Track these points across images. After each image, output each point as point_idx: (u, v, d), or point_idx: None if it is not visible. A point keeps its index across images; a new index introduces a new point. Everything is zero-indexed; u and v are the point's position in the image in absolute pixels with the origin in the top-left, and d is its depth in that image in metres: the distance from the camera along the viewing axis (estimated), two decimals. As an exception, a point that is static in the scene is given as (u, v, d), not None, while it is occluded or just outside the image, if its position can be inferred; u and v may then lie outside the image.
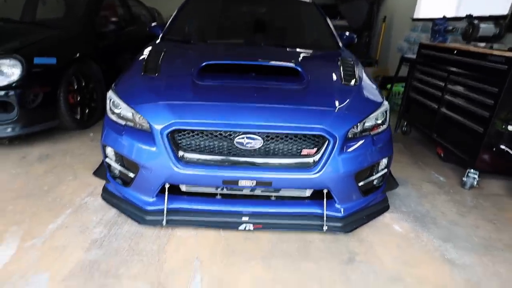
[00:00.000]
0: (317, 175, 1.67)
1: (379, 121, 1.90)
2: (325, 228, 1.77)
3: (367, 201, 1.93)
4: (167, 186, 1.75)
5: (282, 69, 1.99)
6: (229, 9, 3.29)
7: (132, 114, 1.77)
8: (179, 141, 1.69)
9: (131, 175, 1.81)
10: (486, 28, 3.09)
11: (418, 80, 3.24)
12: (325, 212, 1.79)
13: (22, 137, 2.72)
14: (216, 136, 1.67)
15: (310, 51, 2.55)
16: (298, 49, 2.55)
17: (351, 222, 1.85)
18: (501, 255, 1.74)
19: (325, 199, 1.79)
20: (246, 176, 1.68)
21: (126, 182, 1.87)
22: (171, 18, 3.01)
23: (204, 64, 1.93)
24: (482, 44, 2.87)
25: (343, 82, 1.98)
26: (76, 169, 2.43)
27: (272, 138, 1.66)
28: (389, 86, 4.51)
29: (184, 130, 1.66)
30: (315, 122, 1.66)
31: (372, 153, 1.80)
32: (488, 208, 2.19)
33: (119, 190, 1.93)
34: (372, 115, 1.84)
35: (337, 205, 1.83)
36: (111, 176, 1.95)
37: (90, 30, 3.43)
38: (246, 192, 1.86)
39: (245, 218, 1.79)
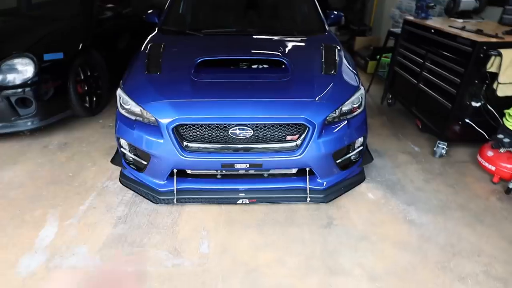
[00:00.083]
0: (300, 156, 2.00)
1: (356, 105, 2.18)
2: (308, 199, 2.13)
3: (345, 175, 2.27)
4: (175, 170, 2.09)
5: (269, 61, 2.25)
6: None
7: (140, 110, 2.06)
8: (183, 133, 2.00)
9: (144, 162, 2.15)
10: (467, 3, 3.23)
11: (401, 55, 3.44)
12: (308, 186, 2.14)
13: (41, 128, 3.03)
14: (213, 128, 1.97)
15: (297, 39, 2.75)
16: (285, 37, 2.75)
17: (331, 193, 2.21)
18: (452, 214, 2.11)
19: (307, 176, 2.13)
20: (241, 160, 2.01)
21: (140, 168, 2.21)
22: (166, 7, 3.17)
23: (199, 60, 2.20)
24: (460, 21, 3.05)
25: (323, 72, 2.24)
26: (93, 156, 2.77)
27: (260, 128, 1.97)
28: (378, 57, 4.68)
29: (187, 124, 1.97)
30: (296, 112, 1.95)
31: (348, 135, 2.11)
32: (451, 174, 2.53)
33: (135, 174, 2.27)
34: (348, 100, 2.12)
35: (318, 180, 2.18)
36: (126, 163, 2.29)
37: (89, 19, 3.58)
38: (241, 172, 2.20)
39: (241, 194, 2.15)
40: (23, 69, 2.80)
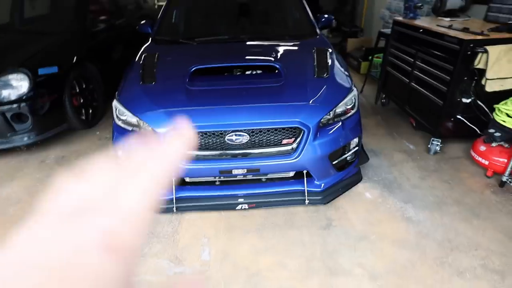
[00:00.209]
0: (297, 159, 2.02)
1: (349, 106, 2.21)
2: (306, 201, 2.16)
3: (342, 176, 2.30)
4: (173, 179, 2.11)
5: (263, 66, 2.29)
6: (211, 1, 3.48)
7: (137, 121, 2.08)
8: (179, 142, 2.02)
9: (142, 172, 2.16)
10: (453, 2, 3.30)
11: (392, 55, 3.50)
12: (306, 189, 2.16)
13: (37, 143, 3.03)
14: (210, 135, 1.99)
15: (289, 43, 2.79)
16: (277, 42, 2.79)
17: (329, 195, 2.23)
18: (449, 209, 2.14)
19: (305, 178, 2.16)
20: (238, 165, 2.04)
21: (139, 178, 2.22)
22: (158, 16, 3.21)
23: (193, 69, 2.23)
24: (448, 19, 3.11)
25: (316, 75, 2.28)
26: (91, 167, 2.77)
27: (256, 133, 1.99)
28: (370, 57, 4.74)
29: (183, 133, 1.99)
30: (291, 116, 1.99)
31: (343, 136, 2.14)
32: (446, 170, 2.57)
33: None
34: (341, 102, 2.15)
35: (316, 182, 2.21)
36: (125, 174, 2.30)
37: (83, 32, 3.61)
38: (240, 177, 2.22)
39: (240, 200, 2.17)
40: (18, 85, 2.81)
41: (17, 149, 2.98)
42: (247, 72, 2.41)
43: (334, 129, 2.10)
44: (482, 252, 1.82)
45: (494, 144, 2.39)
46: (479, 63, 2.35)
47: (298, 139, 2.02)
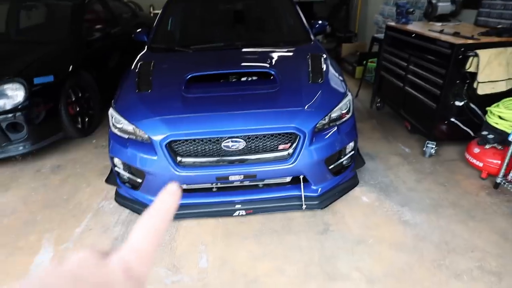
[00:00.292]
0: (293, 165, 2.03)
1: (344, 111, 2.23)
2: (304, 206, 2.16)
3: (338, 180, 2.31)
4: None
5: (258, 73, 2.31)
6: (206, 9, 3.52)
7: (133, 128, 2.08)
8: (176, 149, 2.03)
9: (139, 180, 2.16)
10: (444, 7, 3.36)
11: (386, 59, 3.54)
12: (302, 194, 2.17)
13: (33, 152, 3.02)
14: (206, 142, 2.00)
15: (284, 49, 2.82)
16: (272, 48, 2.82)
17: (326, 199, 2.24)
18: (445, 211, 2.15)
19: (302, 183, 2.17)
20: (234, 172, 2.04)
21: (135, 186, 2.22)
22: (154, 24, 3.23)
23: (189, 76, 2.24)
24: (439, 24, 3.16)
25: (310, 81, 2.30)
26: (87, 176, 2.77)
27: (252, 139, 2.00)
28: (364, 62, 4.79)
29: (179, 140, 1.99)
30: (286, 122, 2.00)
31: (338, 140, 2.15)
32: (441, 172, 2.59)
33: (130, 193, 2.28)
34: (337, 107, 2.17)
35: (313, 187, 2.21)
36: (121, 182, 2.29)
37: (78, 42, 3.63)
38: (237, 184, 2.22)
39: (238, 206, 2.17)
40: (13, 94, 2.81)
41: (12, 158, 2.96)
42: (243, 79, 2.42)
43: (329, 134, 2.12)
44: (479, 254, 1.83)
45: (487, 146, 2.42)
46: (470, 66, 2.38)
47: (294, 145, 2.03)
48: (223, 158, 2.02)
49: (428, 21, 3.44)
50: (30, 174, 2.86)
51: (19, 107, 2.80)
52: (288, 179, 2.24)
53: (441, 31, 2.69)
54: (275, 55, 2.66)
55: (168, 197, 0.33)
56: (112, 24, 4.41)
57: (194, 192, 2.22)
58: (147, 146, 2.03)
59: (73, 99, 3.34)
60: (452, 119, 2.62)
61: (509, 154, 2.20)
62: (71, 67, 3.31)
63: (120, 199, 2.35)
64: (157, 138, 1.97)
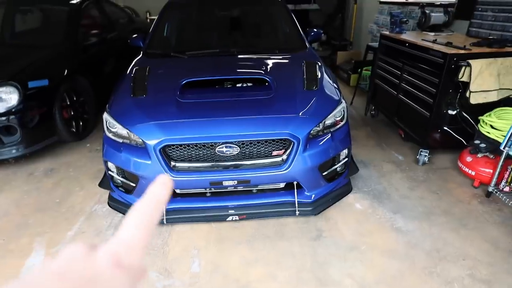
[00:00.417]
0: (286, 171, 2.04)
1: (338, 118, 2.25)
2: (297, 213, 2.16)
3: (332, 187, 2.32)
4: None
5: (253, 79, 2.33)
6: (202, 16, 3.55)
7: (127, 132, 2.08)
8: (170, 153, 2.03)
9: (132, 184, 2.15)
10: (437, 17, 3.42)
11: (380, 68, 3.58)
12: (296, 200, 2.17)
13: (26, 155, 3.00)
14: (200, 147, 2.00)
15: (279, 56, 2.85)
16: (267, 55, 2.85)
17: (319, 206, 2.24)
18: (437, 219, 2.17)
19: (295, 189, 2.17)
20: (228, 177, 2.04)
21: (129, 190, 2.21)
22: (150, 30, 3.25)
23: (184, 82, 2.26)
24: (432, 34, 3.22)
25: (305, 88, 2.32)
26: (81, 180, 2.75)
27: (246, 145, 2.01)
28: (359, 70, 4.84)
29: (173, 145, 2.00)
30: (280, 128, 2.01)
31: (332, 147, 2.17)
32: (434, 180, 2.61)
33: (123, 197, 2.27)
34: (331, 114, 2.19)
35: (306, 193, 2.22)
36: (115, 186, 2.29)
37: (74, 46, 3.63)
38: (230, 189, 2.22)
39: (231, 211, 2.17)
40: (7, 98, 2.80)
41: (5, 161, 2.94)
42: (238, 85, 2.44)
43: (323, 140, 2.13)
44: (470, 262, 1.84)
45: (479, 155, 2.45)
46: (463, 76, 2.42)
47: (288, 151, 2.04)
48: (217, 164, 2.03)
49: (421, 31, 3.49)
50: (23, 177, 2.84)
51: (13, 110, 2.79)
52: (282, 185, 2.24)
53: (434, 41, 2.73)
54: (270, 62, 2.69)
55: (159, 189, 0.33)
56: (108, 29, 4.42)
57: (187, 197, 2.22)
58: (141, 150, 2.03)
59: (68, 103, 3.34)
60: (445, 128, 2.65)
61: (500, 163, 2.23)
62: (66, 71, 3.31)
63: (113, 203, 2.33)
64: (151, 142, 1.98)
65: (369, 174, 2.73)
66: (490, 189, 2.34)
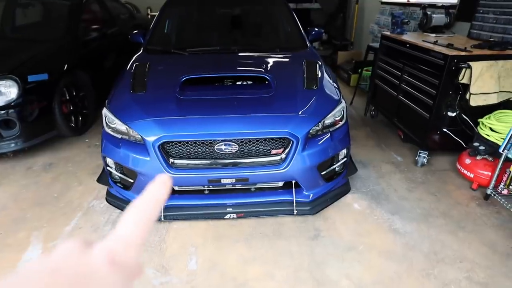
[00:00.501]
0: (285, 170, 2.04)
1: (338, 118, 2.25)
2: (295, 212, 2.16)
3: (330, 186, 2.32)
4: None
5: (253, 77, 2.32)
6: (203, 13, 3.53)
7: (126, 128, 2.08)
8: (169, 150, 2.02)
9: (131, 180, 2.14)
10: (438, 18, 3.41)
11: (381, 68, 3.58)
12: (294, 199, 2.17)
13: (25, 149, 2.99)
14: (199, 144, 2.00)
15: (279, 55, 2.84)
16: (268, 53, 2.84)
17: (317, 205, 2.24)
18: (435, 221, 2.17)
19: (293, 188, 2.17)
20: (227, 175, 2.04)
21: (127, 186, 2.21)
22: (151, 26, 3.23)
23: (184, 79, 2.25)
24: (433, 35, 3.21)
25: (305, 87, 2.31)
26: (79, 175, 2.74)
27: (245, 143, 2.01)
28: (360, 70, 4.83)
29: (172, 141, 1.99)
30: (280, 127, 2.01)
31: (331, 147, 2.17)
32: (433, 182, 2.61)
33: (121, 193, 2.26)
34: (330, 114, 2.18)
35: (305, 192, 2.22)
36: (113, 182, 2.28)
37: (75, 41, 3.62)
38: (229, 187, 2.22)
39: (229, 209, 2.17)
40: (7, 91, 2.78)
41: (3, 155, 2.93)
42: (238, 83, 2.43)
43: (322, 140, 2.13)
44: (467, 265, 1.84)
45: (478, 157, 2.45)
46: (463, 78, 2.42)
47: (287, 150, 2.04)
48: (215, 161, 2.02)
49: (422, 32, 3.48)
50: (22, 171, 2.83)
51: (12, 104, 2.78)
52: (280, 183, 2.24)
53: (435, 42, 2.72)
54: (270, 61, 2.68)
55: (158, 188, 0.33)
56: (109, 25, 4.41)
57: (185, 194, 2.21)
58: (140, 146, 2.02)
59: (68, 97, 3.33)
60: (445, 129, 2.65)
61: (499, 166, 2.23)
62: (66, 66, 3.30)
63: (111, 198, 2.33)
64: (150, 139, 1.97)
65: (368, 174, 2.73)
66: (489, 191, 2.34)
